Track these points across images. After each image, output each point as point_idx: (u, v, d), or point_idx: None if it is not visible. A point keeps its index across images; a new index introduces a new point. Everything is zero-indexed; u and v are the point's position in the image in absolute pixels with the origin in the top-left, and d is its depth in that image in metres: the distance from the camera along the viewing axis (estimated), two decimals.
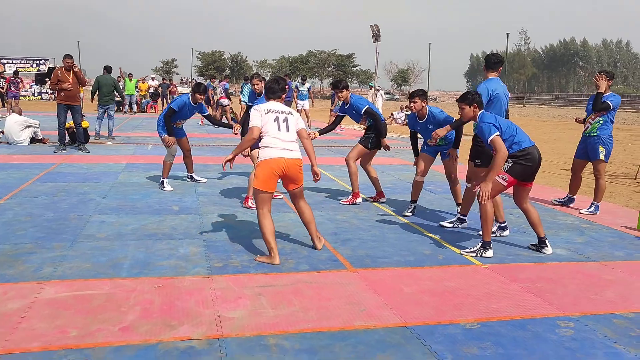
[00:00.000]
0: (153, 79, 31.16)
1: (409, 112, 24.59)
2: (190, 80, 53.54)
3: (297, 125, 4.99)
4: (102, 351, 3.04)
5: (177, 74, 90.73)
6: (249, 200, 6.72)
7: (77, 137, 11.78)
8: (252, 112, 4.94)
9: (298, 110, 18.87)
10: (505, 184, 5.01)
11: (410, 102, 6.51)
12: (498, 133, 4.92)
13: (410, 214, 6.63)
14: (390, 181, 9.00)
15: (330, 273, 4.47)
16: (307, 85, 20.52)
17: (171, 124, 7.62)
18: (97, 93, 13.61)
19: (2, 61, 35.69)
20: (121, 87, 20.02)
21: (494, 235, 5.75)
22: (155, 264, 4.52)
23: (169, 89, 29.17)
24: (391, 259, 4.89)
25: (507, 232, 5.83)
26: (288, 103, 7.38)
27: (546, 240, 5.25)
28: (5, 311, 3.51)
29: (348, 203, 7.15)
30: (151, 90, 28.71)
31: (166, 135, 7.60)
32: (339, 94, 7.25)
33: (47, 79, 36.71)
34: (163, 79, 33.78)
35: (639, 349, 3.29)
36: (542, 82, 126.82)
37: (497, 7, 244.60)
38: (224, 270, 4.43)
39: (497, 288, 4.26)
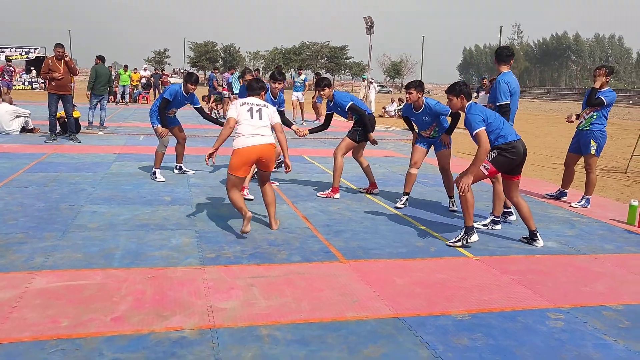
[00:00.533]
0: (145, 69, 30.92)
1: (401, 105, 24.58)
2: (182, 70, 53.24)
3: (272, 119, 5.34)
4: (94, 341, 3.03)
5: (169, 64, 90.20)
6: (245, 189, 6.73)
7: (68, 127, 11.69)
8: (230, 106, 5.28)
9: (292, 102, 18.60)
10: (486, 172, 5.06)
11: (406, 93, 6.51)
12: (484, 127, 4.95)
13: (403, 206, 6.64)
14: (382, 173, 9.02)
15: (322, 264, 4.48)
16: (302, 76, 19.76)
17: (165, 115, 7.58)
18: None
19: None
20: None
21: (486, 227, 5.79)
22: (147, 255, 4.51)
23: (161, 79, 28.99)
24: (383, 251, 4.91)
25: (499, 227, 5.86)
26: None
27: (537, 234, 5.28)
28: None
29: (325, 196, 7.04)
30: (143, 80, 28.51)
31: (159, 126, 7.56)
32: (321, 92, 7.21)
33: (32, 68, 36.44)
34: (155, 70, 33.51)
35: (627, 341, 3.33)
36: (535, 75, 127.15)
37: (491, 0, 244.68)
38: (216, 261, 4.43)
39: (488, 280, 4.29)
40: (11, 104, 12.90)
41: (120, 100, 25.00)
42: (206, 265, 4.32)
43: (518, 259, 4.88)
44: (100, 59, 13.99)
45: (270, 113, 5.36)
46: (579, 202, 7.13)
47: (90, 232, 5.06)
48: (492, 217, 5.86)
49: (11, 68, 22.80)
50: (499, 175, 5.74)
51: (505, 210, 6.09)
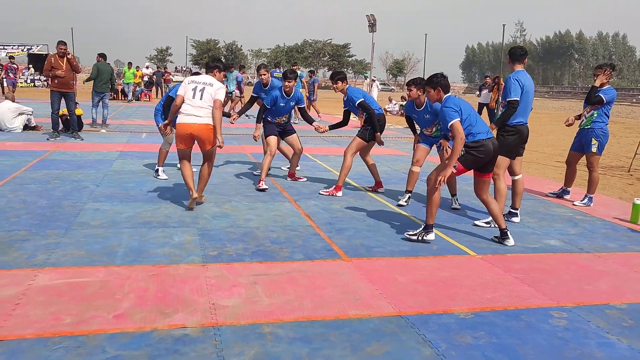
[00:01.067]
0: (147, 67, 30.95)
1: (403, 103, 24.53)
2: (185, 68, 53.21)
3: (214, 95, 5.69)
4: (97, 338, 3.03)
5: (171, 62, 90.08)
6: (261, 181, 7.16)
7: (70, 125, 11.70)
8: (180, 86, 5.87)
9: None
10: (454, 171, 5.05)
11: (407, 90, 6.51)
12: (459, 119, 4.93)
13: (405, 204, 6.63)
14: (385, 171, 9.00)
15: (325, 262, 4.48)
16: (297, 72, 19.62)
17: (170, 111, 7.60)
18: (93, 80, 13.58)
19: None
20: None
21: (489, 225, 5.77)
22: (150, 252, 4.51)
23: (163, 77, 29.00)
24: (385, 249, 4.90)
25: (517, 219, 5.93)
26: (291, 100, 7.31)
27: (508, 232, 5.22)
28: None
29: (328, 194, 7.05)
30: (145, 78, 28.53)
31: (161, 125, 7.56)
32: (334, 86, 7.23)
33: (29, 65, 36.47)
34: (157, 67, 33.50)
35: (631, 339, 3.32)
36: (537, 74, 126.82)
37: None
38: (218, 259, 4.43)
39: (491, 278, 4.28)
40: (13, 101, 12.91)
41: (123, 98, 25.01)
42: (208, 263, 4.32)
43: (521, 257, 4.87)
44: (102, 56, 13.99)
45: (213, 92, 5.68)
46: (581, 201, 7.12)
47: (92, 230, 5.06)
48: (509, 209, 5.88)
49: (14, 66, 22.77)
50: (500, 173, 5.74)
51: (512, 210, 6.06)
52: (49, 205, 5.87)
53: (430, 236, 5.09)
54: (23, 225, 5.11)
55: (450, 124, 4.91)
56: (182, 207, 6.07)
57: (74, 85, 11.66)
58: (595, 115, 7.06)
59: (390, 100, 25.92)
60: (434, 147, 6.67)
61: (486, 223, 5.81)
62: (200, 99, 5.65)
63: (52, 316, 3.27)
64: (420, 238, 5.08)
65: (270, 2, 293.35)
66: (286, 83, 7.37)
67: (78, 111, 11.99)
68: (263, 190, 7.08)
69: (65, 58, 11.19)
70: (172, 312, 3.40)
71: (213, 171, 8.37)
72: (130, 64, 25.66)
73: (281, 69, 19.89)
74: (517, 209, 6.04)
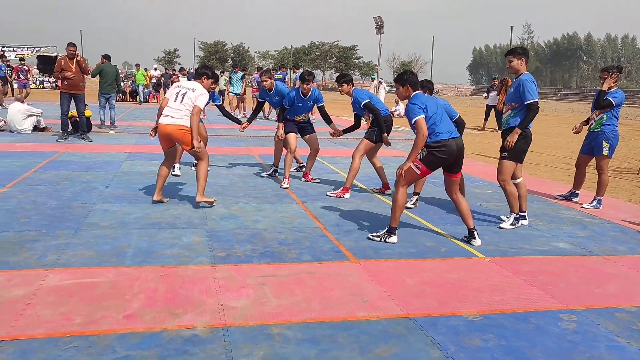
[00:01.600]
0: (155, 69, 31.10)
1: None
2: (192, 70, 53.42)
3: (194, 101, 5.84)
4: (107, 338, 3.05)
5: (179, 64, 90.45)
6: (285, 180, 7.47)
7: (79, 126, 11.77)
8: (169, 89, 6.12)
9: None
10: (418, 172, 5.06)
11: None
12: (423, 115, 4.94)
13: (413, 206, 6.63)
14: (392, 173, 8.97)
15: (332, 264, 4.49)
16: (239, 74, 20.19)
17: None
18: (99, 81, 13.65)
19: (3, 48, 35.51)
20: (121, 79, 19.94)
21: (514, 227, 5.77)
22: (159, 253, 4.53)
23: (171, 79, 29.11)
24: (393, 251, 4.90)
25: (525, 222, 5.92)
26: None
27: (475, 232, 5.21)
28: (10, 298, 3.53)
29: (335, 195, 7.06)
30: (153, 80, 28.66)
31: (151, 129, 7.66)
32: (340, 88, 7.25)
33: (36, 67, 36.68)
34: (165, 69, 33.64)
35: None
36: (545, 76, 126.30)
37: (501, 0, 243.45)
38: (227, 260, 4.44)
39: (499, 280, 4.27)
40: (23, 102, 13.01)
41: (131, 100, 25.12)
42: (217, 264, 4.33)
43: (530, 259, 4.85)
44: (106, 57, 14.05)
45: (194, 97, 5.85)
46: (590, 203, 7.08)
47: (102, 230, 5.09)
48: (514, 215, 5.85)
49: (25, 67, 22.88)
50: (507, 178, 5.72)
51: (521, 213, 6.04)
52: (59, 206, 5.91)
53: (393, 239, 5.10)
54: (33, 225, 5.15)
55: (413, 120, 4.94)
56: (190, 208, 6.09)
57: (84, 87, 11.73)
58: (604, 118, 7.03)
59: (397, 103, 25.86)
60: None
61: (511, 225, 5.81)
62: (180, 102, 5.85)
63: (62, 316, 3.30)
64: (383, 240, 5.10)
65: (278, 4, 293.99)
66: (305, 86, 7.51)
67: (87, 113, 12.06)
68: (286, 188, 7.31)
69: (74, 60, 11.26)
70: (181, 313, 3.42)
71: (221, 172, 8.41)
72: (138, 65, 25.79)
73: (285, 72, 19.97)
74: (525, 211, 6.01)
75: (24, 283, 3.78)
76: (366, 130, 7.26)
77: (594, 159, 7.22)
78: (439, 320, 3.50)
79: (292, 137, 7.65)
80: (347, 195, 7.05)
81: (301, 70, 17.39)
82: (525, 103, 5.62)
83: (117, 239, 4.87)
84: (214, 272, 4.17)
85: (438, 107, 5.14)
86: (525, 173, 9.83)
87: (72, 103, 11.48)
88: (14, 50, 36.97)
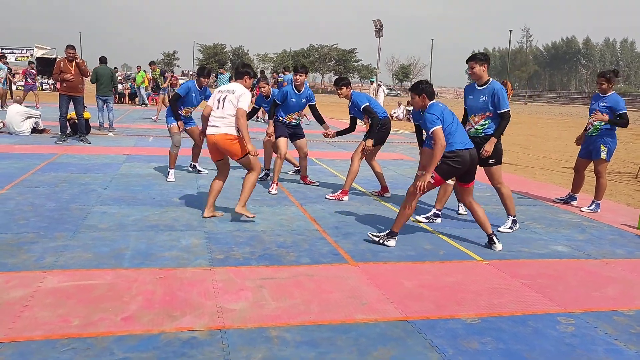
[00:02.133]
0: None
1: (410, 107, 24.51)
2: (191, 73, 53.52)
3: (236, 104, 5.44)
4: (105, 340, 3.05)
5: (178, 66, 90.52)
6: (273, 186, 7.33)
7: (78, 128, 11.77)
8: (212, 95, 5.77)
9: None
10: (432, 181, 5.04)
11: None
12: (440, 126, 4.95)
13: (426, 220, 6.60)
14: (391, 176, 9.00)
15: (331, 266, 4.48)
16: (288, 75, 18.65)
17: (177, 108, 7.66)
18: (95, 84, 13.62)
19: (3, 50, 35.51)
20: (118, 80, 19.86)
21: (512, 230, 5.78)
22: (157, 255, 4.53)
23: (169, 80, 29.06)
24: (392, 254, 4.90)
25: (517, 226, 5.91)
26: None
27: (494, 237, 5.21)
28: (8, 300, 3.52)
29: (334, 198, 7.05)
30: (152, 82, 28.62)
31: (174, 124, 7.71)
32: (338, 92, 7.24)
33: (32, 69, 36.64)
34: (165, 72, 33.63)
35: (639, 346, 3.30)
36: (544, 79, 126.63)
37: (500, 3, 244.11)
38: (225, 262, 4.44)
39: (498, 284, 4.27)
40: (21, 104, 13.01)
41: (130, 102, 25.12)
42: (215, 267, 4.33)
43: (528, 262, 4.85)
44: (101, 60, 14.02)
45: (235, 99, 5.45)
46: (589, 207, 7.09)
47: (100, 233, 5.09)
48: (511, 217, 5.86)
49: (33, 71, 22.87)
50: (500, 179, 5.76)
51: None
52: (57, 208, 5.91)
53: (392, 243, 5.11)
54: (31, 227, 5.15)
55: (431, 130, 4.95)
56: (189, 210, 6.09)
57: (83, 89, 11.73)
58: (603, 123, 7.03)
59: (399, 105, 25.90)
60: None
61: (509, 228, 5.83)
62: (222, 108, 5.48)
63: (60, 318, 3.29)
64: (381, 242, 5.11)
65: (278, 7, 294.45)
66: (297, 77, 7.43)
67: (86, 115, 12.06)
68: (273, 194, 7.16)
69: (74, 62, 11.27)
70: (179, 315, 3.41)
71: None
72: (139, 67, 25.80)
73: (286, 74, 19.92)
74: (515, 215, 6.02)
75: (22, 285, 3.77)
76: (365, 134, 7.26)
77: (593, 162, 7.23)
78: (437, 323, 3.50)
79: (283, 141, 7.57)
80: (345, 198, 7.05)
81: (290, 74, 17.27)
82: (500, 112, 5.66)
83: (115, 241, 4.86)
84: (213, 274, 4.16)
85: (454, 117, 5.18)
86: (524, 176, 9.86)
87: (71, 105, 11.47)
88: (12, 53, 36.96)
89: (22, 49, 39.51)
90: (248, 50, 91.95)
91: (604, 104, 6.99)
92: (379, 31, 39.45)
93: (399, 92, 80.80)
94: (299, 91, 7.58)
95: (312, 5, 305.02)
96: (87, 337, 3.07)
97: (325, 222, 5.87)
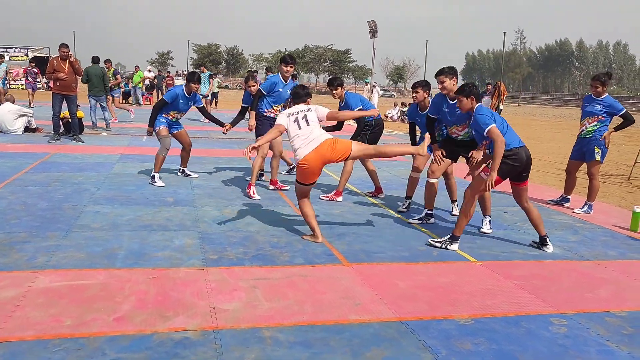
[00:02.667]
0: (150, 71, 31.00)
1: (404, 108, 24.53)
2: (185, 72, 53.45)
3: (319, 115, 5.35)
4: (97, 341, 3.03)
5: (172, 65, 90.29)
6: (251, 188, 6.97)
7: (71, 127, 11.72)
8: (279, 116, 5.42)
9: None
10: (491, 181, 5.05)
11: (412, 93, 6.53)
12: (494, 124, 4.98)
13: (406, 210, 6.64)
14: (385, 177, 9.01)
15: (325, 267, 4.48)
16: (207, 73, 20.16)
17: (157, 115, 7.53)
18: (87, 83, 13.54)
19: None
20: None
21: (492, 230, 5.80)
22: (150, 255, 4.51)
23: (164, 81, 29.03)
24: (386, 254, 4.90)
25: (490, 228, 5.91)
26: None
27: (547, 239, 5.28)
28: None
29: (328, 199, 7.04)
30: (147, 82, 28.56)
31: (160, 127, 7.51)
32: (333, 92, 7.22)
33: (33, 68, 36.44)
34: (159, 71, 33.55)
35: (631, 347, 3.32)
36: (538, 81, 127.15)
37: (495, 5, 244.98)
38: (219, 263, 4.43)
39: (491, 285, 4.28)
40: (13, 103, 12.93)
41: (123, 101, 25.01)
42: (209, 267, 4.32)
43: (521, 264, 4.87)
44: (94, 59, 13.93)
45: (313, 114, 5.30)
46: (581, 208, 7.12)
47: (93, 232, 5.06)
48: (488, 217, 5.89)
49: (34, 70, 22.74)
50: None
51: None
52: (50, 207, 5.88)
53: (454, 247, 5.13)
54: (23, 227, 5.11)
55: (487, 129, 4.97)
56: (182, 210, 6.07)
57: (76, 88, 11.67)
58: (597, 125, 7.07)
59: (395, 106, 25.94)
60: (435, 153, 6.66)
61: (490, 229, 5.84)
62: (307, 125, 5.19)
63: (52, 318, 3.27)
64: (444, 246, 5.12)
65: (272, 6, 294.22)
66: (288, 68, 7.33)
67: (79, 114, 12.00)
68: (254, 198, 6.85)
69: (67, 61, 11.21)
70: (172, 315, 3.40)
71: (212, 175, 8.39)
72: (137, 67, 25.75)
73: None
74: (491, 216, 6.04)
75: (13, 284, 3.75)
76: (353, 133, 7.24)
77: (585, 164, 7.26)
78: (430, 324, 3.50)
79: (278, 139, 7.51)
80: (339, 198, 7.05)
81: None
82: None
83: (108, 240, 4.84)
84: (206, 274, 4.15)
85: (501, 117, 5.23)
86: None
87: (64, 104, 11.41)
88: (6, 51, 36.74)
89: (16, 48, 39.29)
90: (242, 50, 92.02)
91: (600, 106, 7.03)
92: (373, 32, 39.49)
93: (393, 93, 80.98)
94: (286, 82, 7.47)
95: (307, 5, 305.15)
96: (79, 337, 3.05)
97: (319, 222, 5.86)
